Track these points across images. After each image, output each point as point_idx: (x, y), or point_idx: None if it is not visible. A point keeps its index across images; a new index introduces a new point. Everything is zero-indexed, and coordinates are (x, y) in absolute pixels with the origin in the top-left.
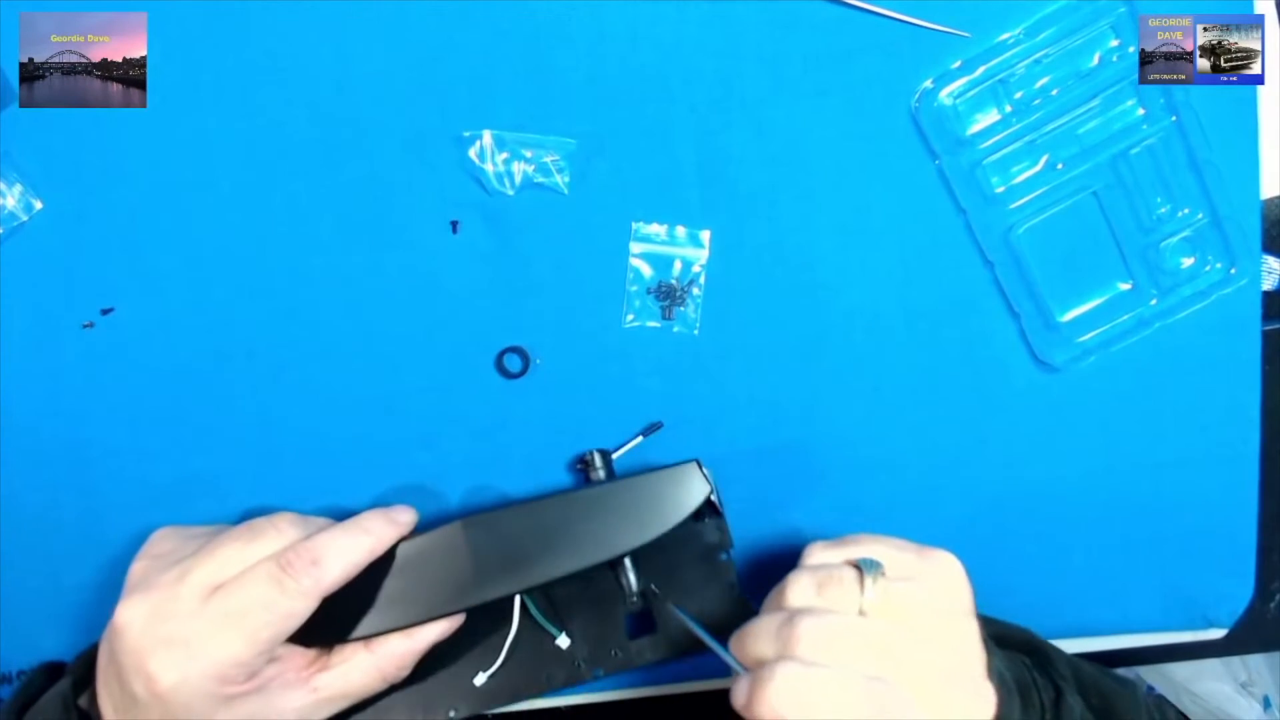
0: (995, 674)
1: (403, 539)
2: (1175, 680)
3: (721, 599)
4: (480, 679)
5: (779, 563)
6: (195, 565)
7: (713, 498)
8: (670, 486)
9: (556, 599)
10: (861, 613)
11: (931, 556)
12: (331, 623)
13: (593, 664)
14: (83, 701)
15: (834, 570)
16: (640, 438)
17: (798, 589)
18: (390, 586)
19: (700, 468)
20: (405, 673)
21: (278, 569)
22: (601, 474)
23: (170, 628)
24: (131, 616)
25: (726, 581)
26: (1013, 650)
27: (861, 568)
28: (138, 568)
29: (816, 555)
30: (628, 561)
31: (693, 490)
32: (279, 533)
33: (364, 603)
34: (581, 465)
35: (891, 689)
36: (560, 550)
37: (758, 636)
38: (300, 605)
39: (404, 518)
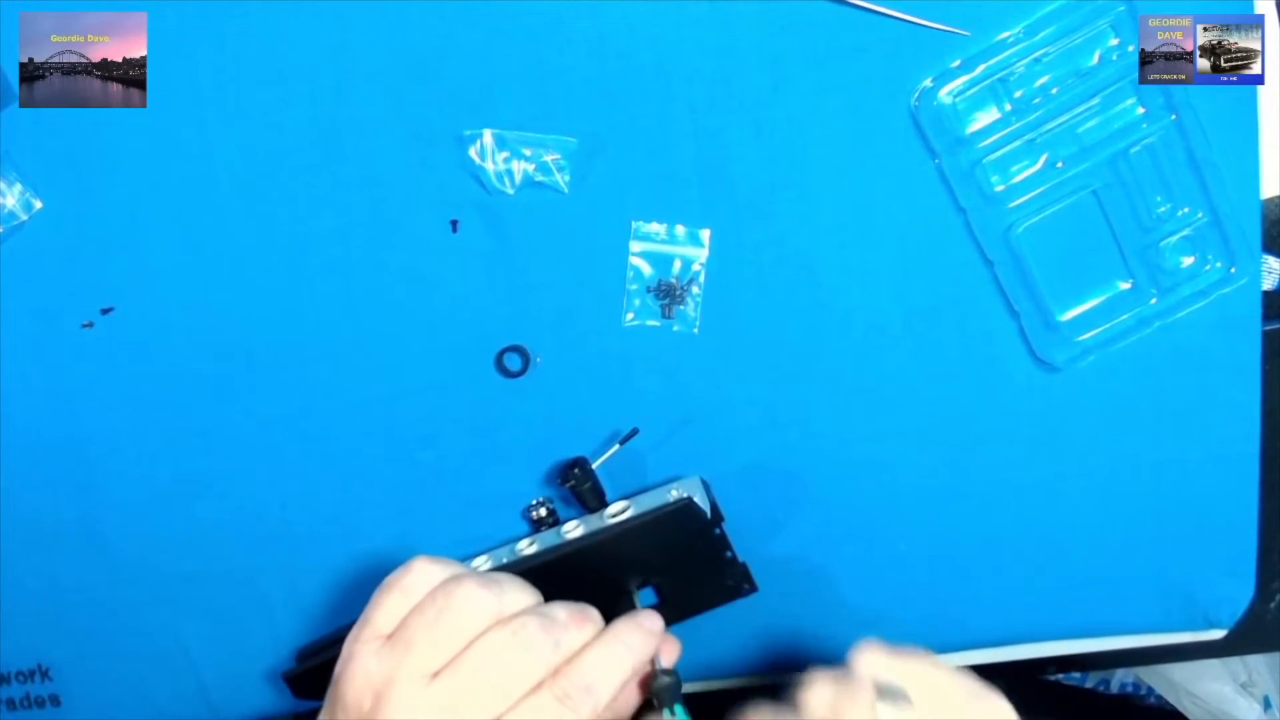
0: None
1: None
2: (1175, 680)
3: (715, 566)
4: None
5: (777, 560)
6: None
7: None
8: (679, 518)
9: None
10: None
11: (982, 702)
12: None
13: None
14: None
15: (856, 689)
16: (618, 446)
17: (816, 696)
18: None
19: (706, 488)
20: None
21: (557, 704)
22: (586, 484)
23: None
24: None
25: (722, 552)
26: None
27: (882, 693)
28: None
29: (865, 658)
30: (633, 586)
31: (700, 514)
32: (542, 646)
33: None
34: (563, 480)
35: None
36: (578, 595)
37: None
38: None
39: (655, 625)
